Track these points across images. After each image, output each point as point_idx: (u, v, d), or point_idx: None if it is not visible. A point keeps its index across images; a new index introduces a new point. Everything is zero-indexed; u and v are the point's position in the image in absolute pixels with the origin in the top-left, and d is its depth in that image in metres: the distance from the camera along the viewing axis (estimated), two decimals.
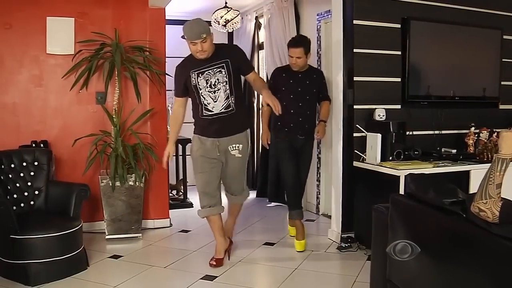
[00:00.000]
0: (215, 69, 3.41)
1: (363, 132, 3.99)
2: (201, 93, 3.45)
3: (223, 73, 3.42)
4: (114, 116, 4.33)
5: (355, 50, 3.97)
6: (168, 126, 4.57)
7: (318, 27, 5.08)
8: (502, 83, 4.52)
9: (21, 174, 3.77)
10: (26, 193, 3.75)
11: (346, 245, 3.96)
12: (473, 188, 3.53)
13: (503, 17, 4.51)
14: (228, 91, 3.44)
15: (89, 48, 4.31)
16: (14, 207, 3.55)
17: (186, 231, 4.64)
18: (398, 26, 4.08)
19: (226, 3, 5.67)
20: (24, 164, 3.80)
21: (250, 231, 4.63)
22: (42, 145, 4.20)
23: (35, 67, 4.33)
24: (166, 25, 4.73)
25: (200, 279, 3.38)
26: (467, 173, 3.73)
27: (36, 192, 3.78)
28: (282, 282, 3.34)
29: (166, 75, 4.55)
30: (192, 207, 5.47)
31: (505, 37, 4.47)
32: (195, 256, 3.92)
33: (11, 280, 3.22)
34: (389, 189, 3.04)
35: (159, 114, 4.64)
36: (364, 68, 4.01)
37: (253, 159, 6.34)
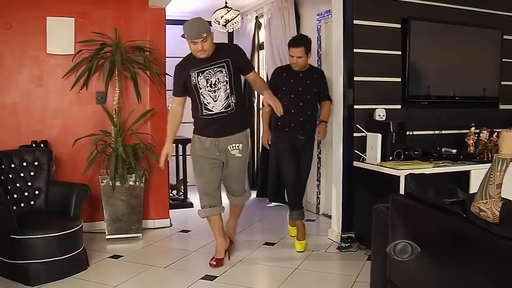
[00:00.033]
0: (215, 69, 3.40)
1: (363, 132, 3.99)
2: (201, 92, 3.44)
3: (224, 72, 3.41)
4: (114, 116, 4.33)
5: (355, 50, 3.97)
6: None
7: (318, 27, 5.08)
8: (502, 83, 4.52)
9: (21, 174, 3.77)
10: (26, 193, 3.75)
11: (346, 245, 3.96)
12: (473, 188, 3.52)
13: (503, 17, 4.51)
14: (228, 91, 3.44)
15: (89, 48, 4.31)
16: (14, 207, 3.55)
17: (186, 231, 4.64)
18: (398, 26, 4.08)
19: (226, 3, 5.67)
20: (24, 164, 3.80)
21: (250, 231, 4.63)
22: (42, 145, 4.20)
23: (35, 67, 4.33)
24: (166, 25, 4.74)
25: (200, 279, 3.38)
26: (467, 173, 3.73)
27: (36, 192, 3.78)
28: (282, 282, 3.34)
29: (166, 75, 4.55)
30: (192, 207, 5.48)
31: (505, 37, 4.47)
32: (195, 256, 3.92)
33: (11, 280, 3.23)
34: (389, 189, 3.04)
35: (159, 114, 4.64)
36: (364, 68, 4.01)
37: (253, 159, 6.34)
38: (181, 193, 5.86)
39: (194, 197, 5.04)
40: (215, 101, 3.44)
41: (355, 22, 3.95)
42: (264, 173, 5.90)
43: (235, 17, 5.76)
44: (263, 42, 6.06)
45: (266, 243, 4.22)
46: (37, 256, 3.20)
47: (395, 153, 3.80)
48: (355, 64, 3.98)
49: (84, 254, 3.57)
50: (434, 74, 4.22)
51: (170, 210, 4.87)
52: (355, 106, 4.01)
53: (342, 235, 4.07)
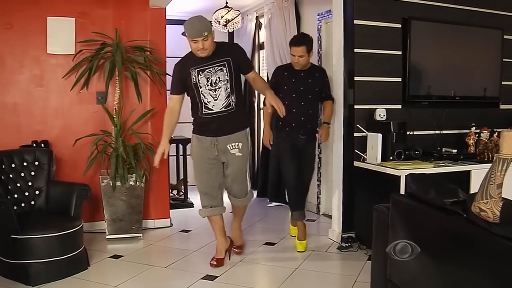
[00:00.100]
0: (216, 68, 3.39)
1: (364, 132, 3.99)
2: (202, 91, 3.43)
3: (224, 71, 3.40)
4: (114, 116, 4.33)
5: (355, 50, 3.97)
6: None
7: (319, 27, 5.08)
8: (503, 83, 4.52)
9: (22, 174, 3.77)
10: (26, 193, 3.75)
11: (347, 245, 3.96)
12: (474, 188, 3.51)
13: (504, 17, 4.51)
14: (229, 90, 3.43)
15: (90, 48, 4.31)
16: (15, 207, 3.55)
17: (187, 231, 4.64)
18: (399, 26, 4.08)
19: (226, 3, 5.68)
20: (25, 164, 3.80)
21: (250, 231, 4.63)
22: (42, 145, 4.20)
23: (35, 67, 4.33)
24: (167, 25, 4.74)
25: (201, 279, 3.38)
26: (467, 173, 3.72)
27: (37, 192, 3.78)
28: (283, 282, 3.34)
29: (167, 75, 4.55)
30: (193, 207, 5.48)
31: (505, 37, 4.47)
32: (196, 256, 3.92)
33: (11, 280, 3.23)
34: (390, 189, 3.04)
35: (159, 114, 4.61)
36: (365, 68, 4.00)
37: (254, 159, 6.34)
38: (181, 193, 5.86)
39: (194, 197, 5.04)
40: (216, 100, 3.43)
41: (355, 22, 3.95)
42: (265, 173, 5.90)
43: (236, 17, 5.76)
44: (263, 42, 6.06)
45: (267, 243, 4.22)
46: (37, 256, 3.20)
47: (395, 153, 3.80)
48: (355, 64, 3.98)
49: (85, 254, 3.57)
50: (434, 74, 4.22)
51: (170, 210, 4.87)
52: (355, 106, 4.01)
53: (343, 235, 4.07)
